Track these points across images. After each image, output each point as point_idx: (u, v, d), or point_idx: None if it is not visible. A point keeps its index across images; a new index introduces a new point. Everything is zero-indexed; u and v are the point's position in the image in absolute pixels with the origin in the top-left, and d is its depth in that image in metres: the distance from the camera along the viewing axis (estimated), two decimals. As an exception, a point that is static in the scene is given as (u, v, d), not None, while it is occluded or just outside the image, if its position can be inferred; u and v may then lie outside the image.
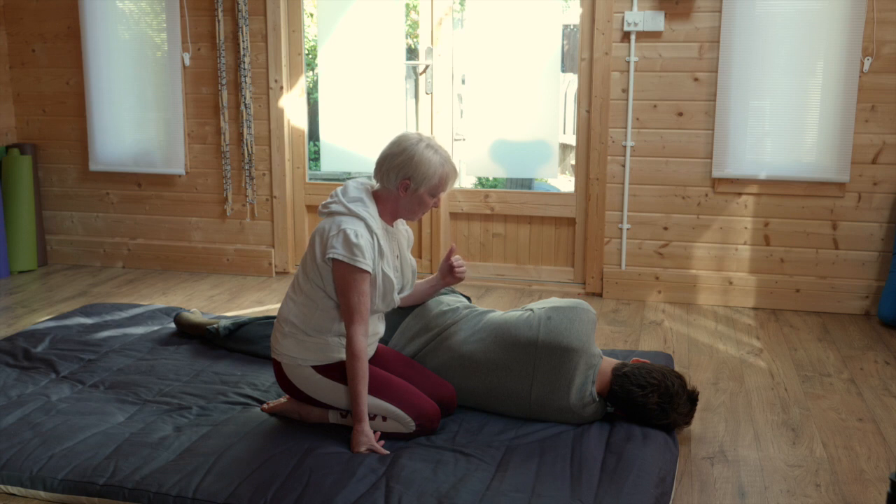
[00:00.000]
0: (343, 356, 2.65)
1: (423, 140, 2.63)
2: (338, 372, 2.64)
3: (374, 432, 2.63)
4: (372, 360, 2.79)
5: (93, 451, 2.54)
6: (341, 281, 2.54)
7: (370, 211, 2.61)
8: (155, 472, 2.43)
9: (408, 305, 3.01)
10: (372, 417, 2.65)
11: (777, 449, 2.77)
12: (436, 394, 2.76)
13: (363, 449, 2.55)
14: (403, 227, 2.81)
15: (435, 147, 2.64)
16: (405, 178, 2.60)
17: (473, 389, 2.84)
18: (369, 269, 2.53)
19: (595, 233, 4.53)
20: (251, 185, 4.91)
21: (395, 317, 3.05)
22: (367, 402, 2.61)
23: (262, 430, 2.70)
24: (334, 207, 2.61)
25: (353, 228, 2.53)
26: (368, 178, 2.72)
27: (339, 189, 2.66)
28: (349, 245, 2.51)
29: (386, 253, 2.62)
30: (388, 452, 2.55)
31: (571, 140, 4.99)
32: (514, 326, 2.81)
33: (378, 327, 2.76)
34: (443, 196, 2.77)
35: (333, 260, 2.53)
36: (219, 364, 3.30)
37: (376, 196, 2.67)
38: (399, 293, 2.74)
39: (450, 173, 2.67)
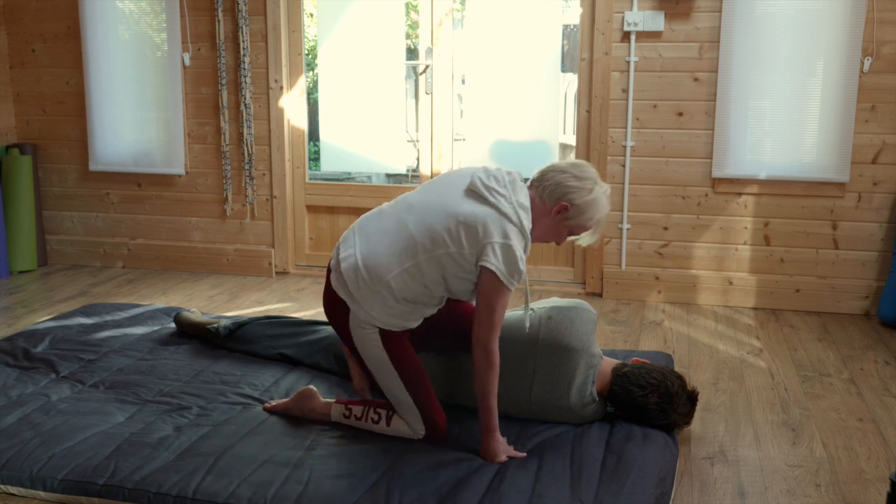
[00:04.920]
0: (413, 326, 2.55)
1: (600, 181, 2.53)
2: (399, 345, 2.54)
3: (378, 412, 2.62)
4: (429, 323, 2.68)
5: (93, 451, 2.54)
6: (490, 289, 2.40)
7: (529, 226, 2.45)
8: (155, 472, 2.43)
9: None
10: (378, 420, 2.64)
11: (777, 449, 2.77)
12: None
13: (503, 458, 2.51)
14: None
15: (609, 196, 2.55)
16: (568, 203, 2.47)
17: (473, 389, 2.84)
18: (511, 290, 2.43)
19: (595, 233, 4.52)
20: (251, 185, 4.91)
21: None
22: (396, 389, 2.55)
23: (262, 430, 2.70)
24: (503, 205, 2.41)
25: (519, 249, 2.39)
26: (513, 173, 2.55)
27: (506, 176, 2.48)
28: (514, 267, 2.38)
29: (521, 276, 2.50)
30: (525, 455, 2.53)
31: (571, 140, 4.99)
32: (514, 326, 2.81)
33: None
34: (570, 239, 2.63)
35: (485, 269, 2.39)
36: (219, 364, 3.30)
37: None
38: None
39: (601, 225, 2.57)
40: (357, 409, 2.72)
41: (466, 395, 2.87)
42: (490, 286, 2.41)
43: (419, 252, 2.44)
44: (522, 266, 2.41)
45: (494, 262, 2.37)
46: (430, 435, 2.62)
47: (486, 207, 2.42)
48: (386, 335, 2.53)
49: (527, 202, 2.46)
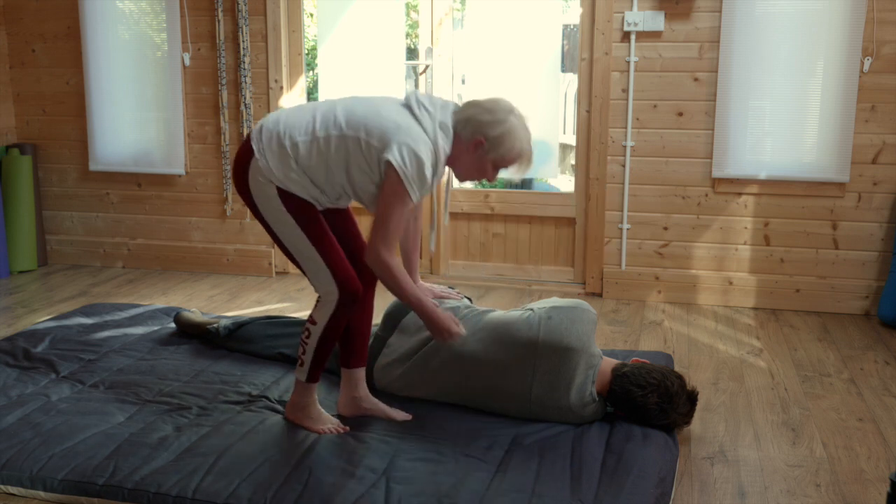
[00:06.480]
0: (305, 197, 2.56)
1: (515, 112, 2.53)
2: (300, 206, 2.54)
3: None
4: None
5: (93, 451, 2.54)
6: (389, 191, 2.43)
7: (446, 150, 2.50)
8: (155, 472, 2.43)
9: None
10: (308, 333, 2.63)
11: (777, 449, 2.77)
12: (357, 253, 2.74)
13: (453, 327, 2.54)
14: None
15: (526, 125, 2.54)
16: (482, 137, 2.49)
17: (473, 389, 2.84)
18: (413, 199, 2.45)
19: (595, 233, 4.53)
20: (251, 185, 4.90)
21: (395, 312, 3.05)
22: (303, 246, 2.54)
23: (262, 429, 2.70)
24: (425, 120, 2.47)
25: (427, 160, 2.42)
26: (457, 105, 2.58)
27: (439, 100, 2.54)
28: (419, 172, 2.41)
29: (427, 187, 2.53)
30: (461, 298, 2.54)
31: (571, 140, 4.99)
32: (514, 326, 2.81)
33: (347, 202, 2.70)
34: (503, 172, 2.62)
35: (389, 164, 2.41)
36: (219, 364, 3.30)
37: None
38: None
39: (527, 156, 2.56)
40: (299, 350, 2.70)
41: (465, 395, 2.87)
42: (390, 187, 2.44)
43: (332, 128, 2.49)
44: (429, 176, 2.44)
45: (397, 158, 2.41)
46: (343, 294, 2.57)
47: (409, 117, 2.49)
48: (284, 195, 2.54)
49: (450, 124, 2.51)
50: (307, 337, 2.66)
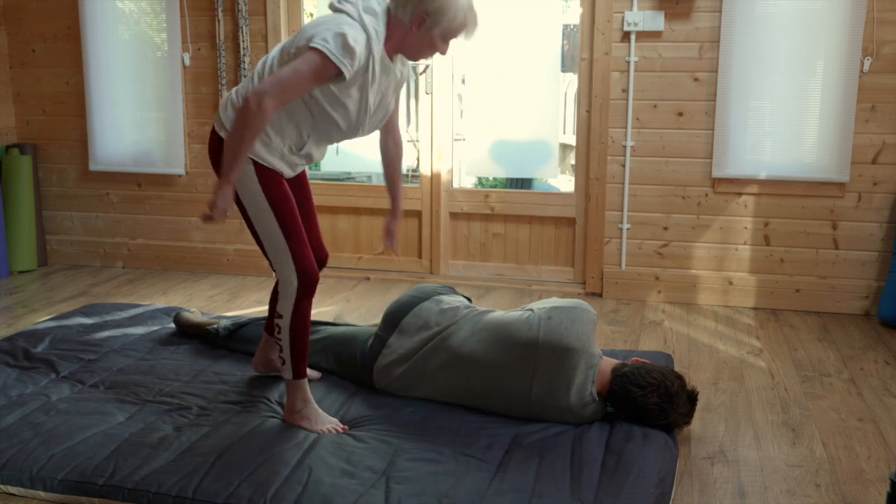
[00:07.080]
0: (284, 171, 2.63)
1: None
2: (274, 183, 2.58)
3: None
4: (294, 182, 2.78)
5: (93, 451, 2.54)
6: (310, 56, 2.39)
7: (379, 31, 2.47)
8: (155, 472, 2.43)
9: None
10: (279, 328, 2.67)
11: (777, 449, 2.77)
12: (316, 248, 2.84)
13: (221, 204, 2.46)
14: (400, 68, 2.66)
15: None
16: (422, 13, 2.45)
17: (473, 389, 2.84)
18: (346, 74, 2.41)
19: (595, 233, 4.53)
20: (251, 185, 4.90)
21: (395, 313, 3.05)
22: (271, 229, 2.59)
23: (262, 430, 2.70)
24: (349, 9, 2.47)
25: (355, 36, 2.41)
26: None
27: None
28: (343, 47, 2.37)
29: (377, 82, 2.51)
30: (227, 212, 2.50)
31: (571, 140, 4.99)
32: (514, 326, 2.81)
33: (318, 153, 2.72)
34: (453, 43, 2.58)
35: (314, 49, 2.39)
36: (219, 364, 3.30)
37: (388, 20, 2.53)
38: (361, 130, 2.66)
39: (472, 21, 2.51)
40: (276, 349, 2.75)
41: (465, 395, 2.87)
42: (312, 54, 2.40)
43: (275, 65, 2.53)
44: (357, 48, 2.40)
45: (321, 42, 2.39)
46: (301, 282, 2.62)
47: (331, 14, 2.51)
48: (260, 170, 2.58)
49: (377, 8, 2.50)
50: (278, 333, 2.69)
